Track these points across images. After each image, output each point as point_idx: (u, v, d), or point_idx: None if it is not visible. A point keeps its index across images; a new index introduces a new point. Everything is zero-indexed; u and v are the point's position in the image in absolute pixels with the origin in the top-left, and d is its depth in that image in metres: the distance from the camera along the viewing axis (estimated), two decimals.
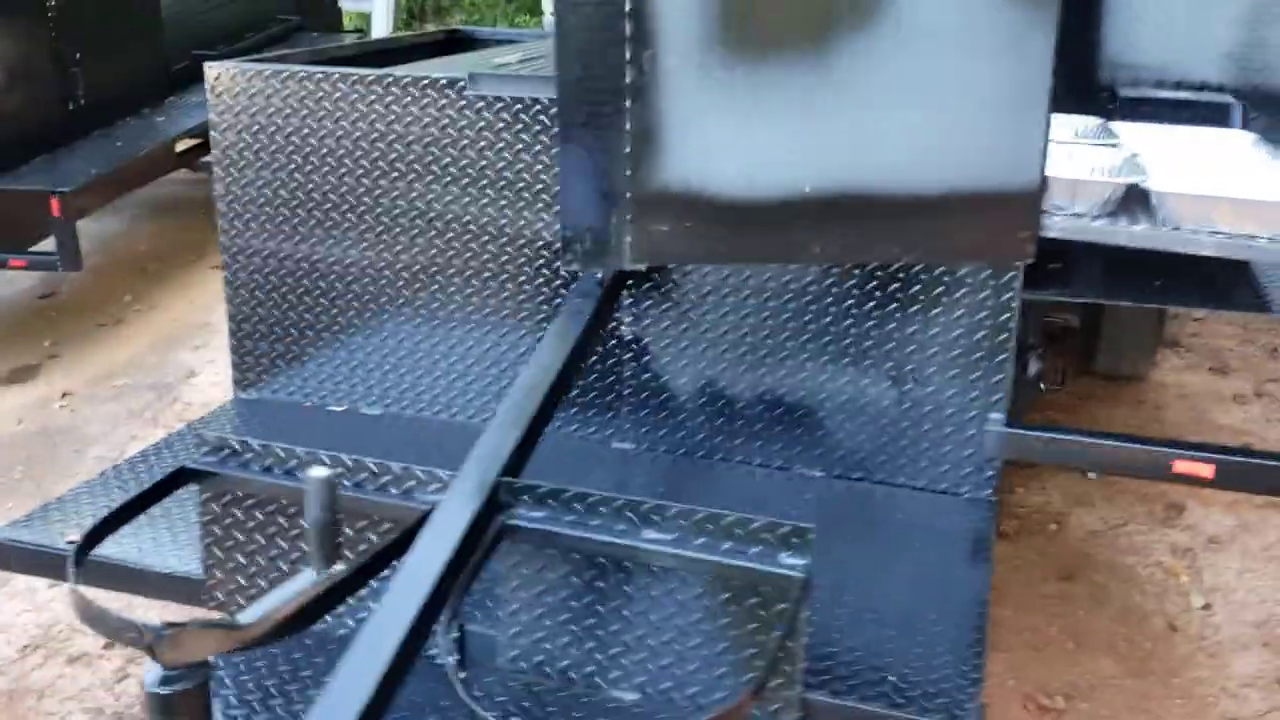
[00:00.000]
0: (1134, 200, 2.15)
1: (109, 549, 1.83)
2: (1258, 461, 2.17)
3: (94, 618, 1.44)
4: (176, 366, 4.09)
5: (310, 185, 2.55)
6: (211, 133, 2.59)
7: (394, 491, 1.74)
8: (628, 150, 1.85)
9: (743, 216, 1.93)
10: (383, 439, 2.44)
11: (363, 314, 2.58)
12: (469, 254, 2.47)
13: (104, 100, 4.49)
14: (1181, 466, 2.20)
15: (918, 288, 2.25)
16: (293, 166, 2.55)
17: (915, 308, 2.26)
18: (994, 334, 2.24)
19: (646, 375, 2.39)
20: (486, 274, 2.45)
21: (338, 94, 2.47)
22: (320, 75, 2.48)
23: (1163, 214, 2.11)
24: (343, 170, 2.51)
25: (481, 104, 2.38)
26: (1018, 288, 2.22)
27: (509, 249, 2.42)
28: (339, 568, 1.47)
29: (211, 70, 2.55)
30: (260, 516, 1.84)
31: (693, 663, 1.64)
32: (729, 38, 1.83)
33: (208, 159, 2.78)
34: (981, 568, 2.12)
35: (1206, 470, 2.17)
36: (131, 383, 3.96)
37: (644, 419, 2.41)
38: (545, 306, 2.40)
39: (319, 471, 1.45)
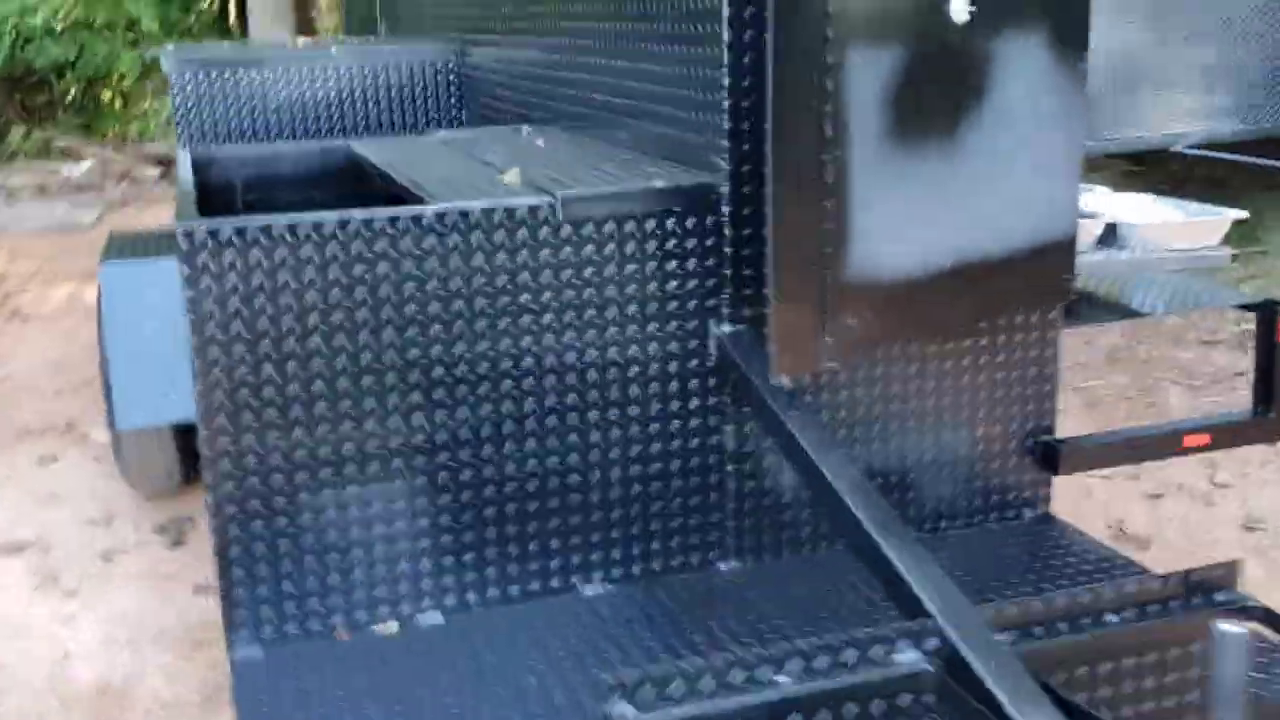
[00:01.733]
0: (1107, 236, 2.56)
1: None
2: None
3: None
4: None
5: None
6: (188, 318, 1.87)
7: None
8: (828, 248, 1.86)
9: (913, 297, 1.99)
10: None
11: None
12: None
13: None
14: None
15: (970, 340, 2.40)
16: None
17: (969, 357, 2.40)
18: (1042, 363, 2.43)
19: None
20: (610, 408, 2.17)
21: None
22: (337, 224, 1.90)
23: (1133, 243, 2.53)
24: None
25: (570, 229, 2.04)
26: (1060, 319, 2.43)
27: (623, 378, 2.15)
28: None
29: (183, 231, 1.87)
30: None
31: None
32: (897, 136, 1.91)
33: None
34: None
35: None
36: None
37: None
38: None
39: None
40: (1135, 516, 3.66)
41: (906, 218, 1.99)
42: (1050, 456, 2.45)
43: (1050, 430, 2.47)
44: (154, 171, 10.66)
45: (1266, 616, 1.72)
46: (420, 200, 2.07)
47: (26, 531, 3.89)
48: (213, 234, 1.86)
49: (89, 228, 8.69)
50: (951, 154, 2.04)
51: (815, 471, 1.85)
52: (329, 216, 1.91)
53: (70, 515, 3.98)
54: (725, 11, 2.02)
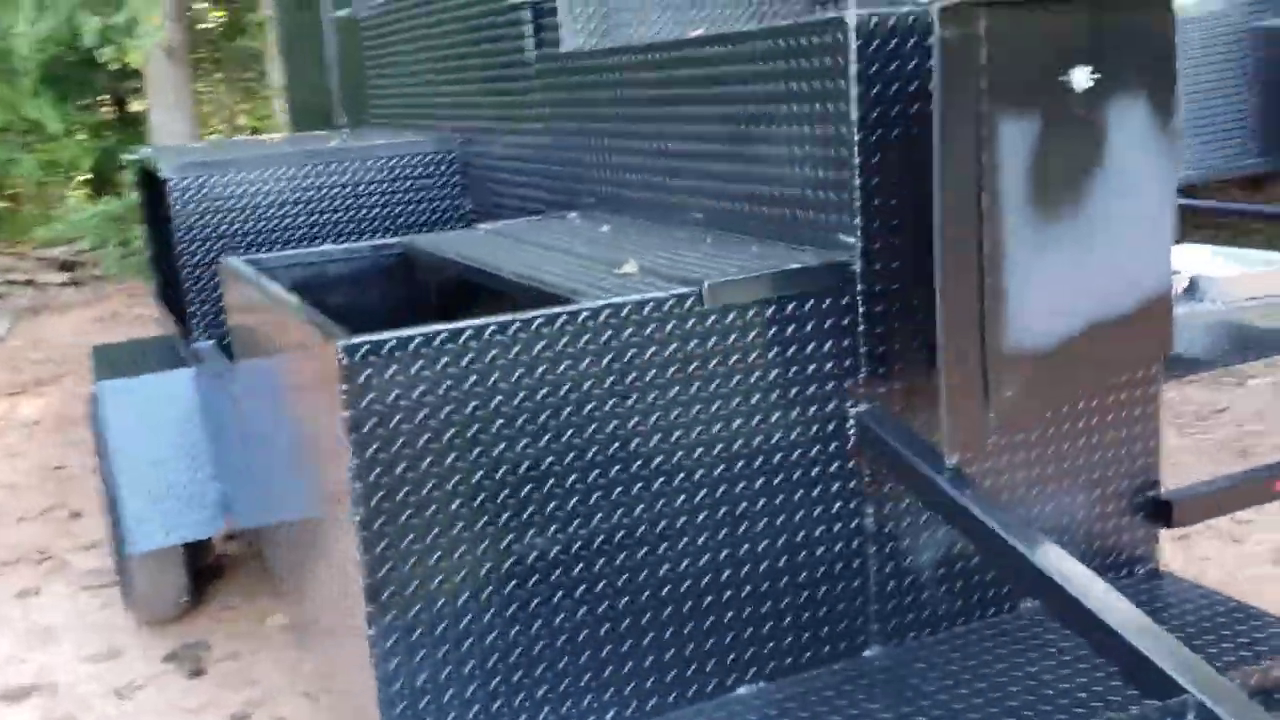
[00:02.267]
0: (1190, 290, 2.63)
1: None
2: None
3: None
4: None
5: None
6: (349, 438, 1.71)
7: None
8: (989, 323, 1.85)
9: (1056, 365, 2.00)
10: None
11: None
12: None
13: None
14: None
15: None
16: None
17: (1080, 419, 2.40)
18: (1146, 419, 2.45)
19: None
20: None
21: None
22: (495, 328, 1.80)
23: (1212, 294, 2.59)
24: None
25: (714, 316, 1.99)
26: (1161, 373, 2.46)
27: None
28: None
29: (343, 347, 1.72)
30: None
31: None
32: (1036, 206, 1.94)
33: None
34: None
35: None
36: None
37: None
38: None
39: None
40: (1174, 559, 3.70)
41: (1047, 286, 1.99)
42: (1162, 511, 2.46)
43: (1157, 485, 2.48)
44: (59, 278, 10.28)
45: None
46: (554, 298, 2.00)
47: (26, 675, 3.62)
48: (375, 348, 1.75)
49: (1, 340, 8.32)
50: (1077, 220, 2.05)
51: (1007, 547, 1.82)
52: (489, 321, 1.83)
53: (71, 652, 3.72)
54: (854, 91, 2.01)
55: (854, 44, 1.99)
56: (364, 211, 3.79)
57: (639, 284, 2.05)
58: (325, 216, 3.75)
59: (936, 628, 2.29)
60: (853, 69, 2.00)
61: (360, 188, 3.78)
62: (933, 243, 1.86)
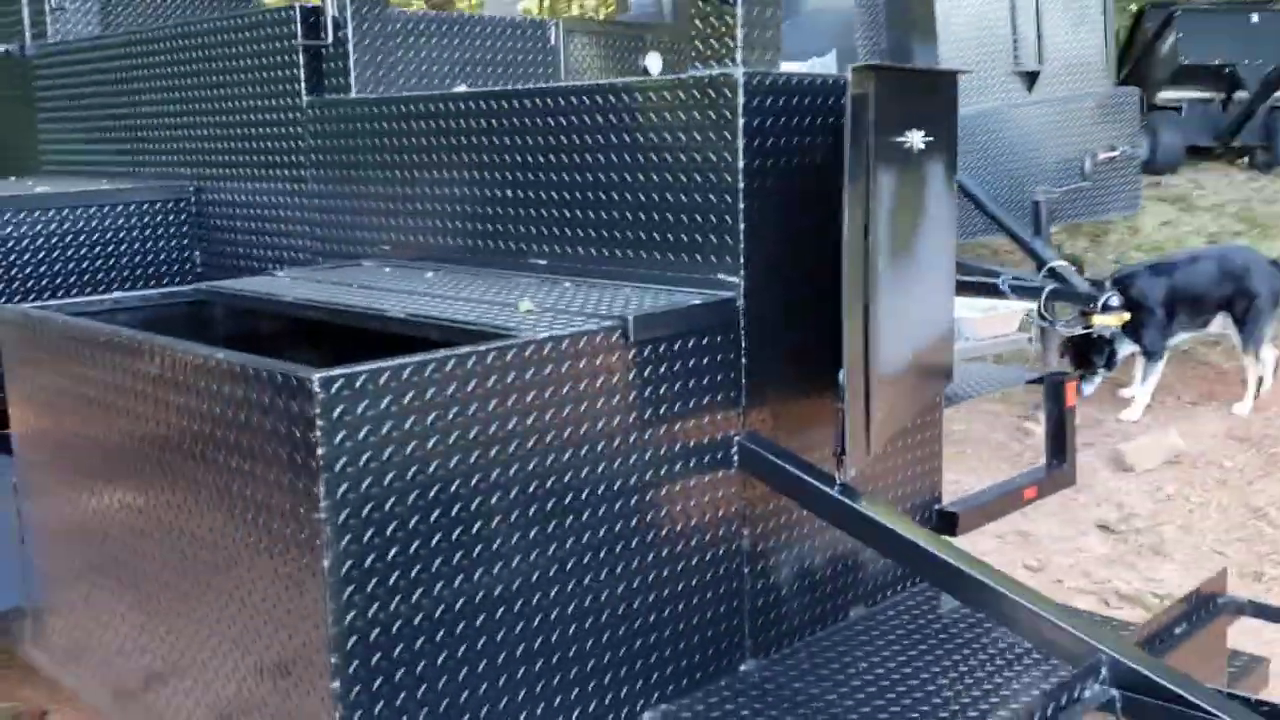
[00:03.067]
0: None
1: None
2: None
3: None
4: None
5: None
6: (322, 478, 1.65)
7: None
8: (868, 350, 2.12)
9: (899, 391, 2.32)
10: None
11: None
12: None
13: None
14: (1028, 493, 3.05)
15: None
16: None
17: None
18: (932, 441, 2.79)
19: None
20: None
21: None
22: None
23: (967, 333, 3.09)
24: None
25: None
26: (942, 401, 2.82)
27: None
28: None
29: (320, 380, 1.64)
30: None
31: None
32: (891, 254, 2.26)
33: None
34: None
35: None
36: None
37: None
38: None
39: None
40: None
41: (896, 318, 2.28)
42: (949, 520, 2.80)
43: (939, 499, 2.84)
44: None
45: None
46: (481, 335, 2.00)
47: None
48: (349, 381, 1.68)
49: None
50: (910, 261, 2.38)
51: (915, 547, 2.04)
52: (451, 354, 1.80)
53: None
54: (740, 143, 2.19)
55: (741, 100, 2.17)
56: (78, 264, 3.46)
57: (548, 321, 2.08)
58: (32, 270, 3.38)
59: (797, 637, 2.47)
60: (740, 122, 2.18)
61: (75, 239, 3.45)
62: (841, 275, 2.07)
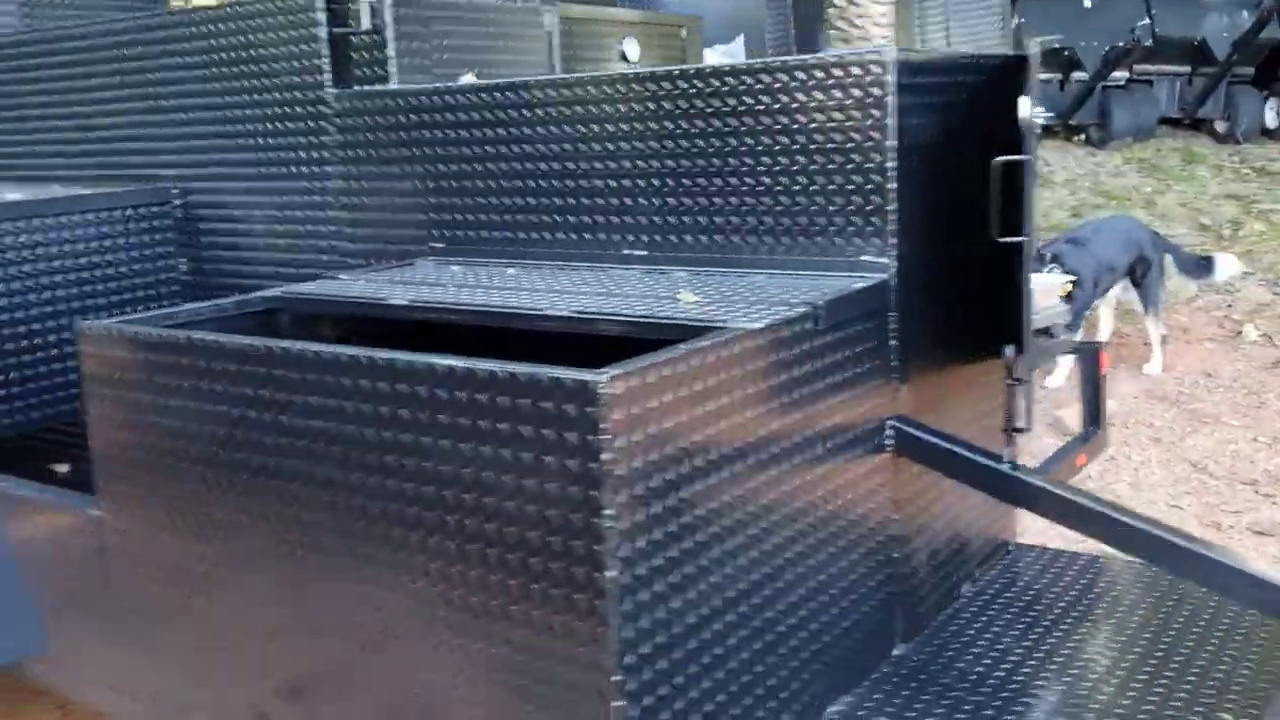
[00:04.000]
0: None
1: None
2: None
3: None
4: None
5: None
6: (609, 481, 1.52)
7: None
8: None
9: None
10: None
11: None
12: None
13: None
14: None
15: None
16: None
17: None
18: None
19: None
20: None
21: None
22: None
23: None
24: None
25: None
26: None
27: None
28: None
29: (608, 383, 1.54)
30: None
31: None
32: None
33: None
34: None
35: None
36: None
37: None
38: None
39: None
40: None
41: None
42: None
43: None
44: None
45: None
46: (679, 328, 1.91)
47: None
48: (628, 378, 1.58)
49: None
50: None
51: (1112, 520, 2.08)
52: (697, 346, 1.72)
53: None
54: (891, 122, 2.17)
55: (893, 78, 2.15)
56: (64, 276, 3.17)
57: (724, 313, 2.01)
58: (25, 283, 3.07)
59: (932, 618, 2.48)
60: (892, 101, 2.16)
61: (64, 248, 3.15)
62: (982, 252, 2.08)
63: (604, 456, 1.56)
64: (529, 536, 1.66)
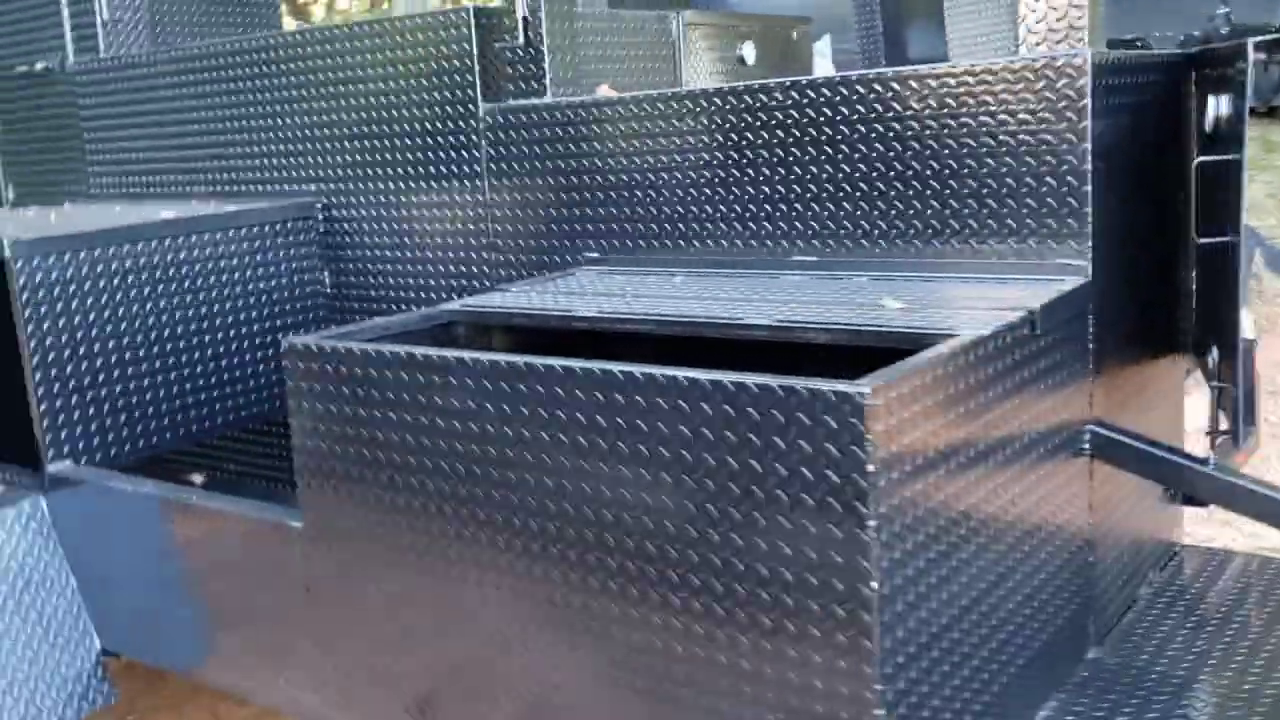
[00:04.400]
0: None
1: None
2: None
3: None
4: None
5: None
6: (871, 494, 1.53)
7: None
8: None
9: None
10: None
11: None
12: None
13: None
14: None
15: None
16: None
17: None
18: (1176, 414, 2.82)
19: None
20: None
21: None
22: None
23: None
24: None
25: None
26: None
27: None
28: None
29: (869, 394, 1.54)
30: None
31: None
32: None
33: None
34: None
35: None
36: None
37: None
38: None
39: None
40: None
41: None
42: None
43: None
44: None
45: None
46: (909, 337, 1.91)
47: None
48: (890, 388, 1.58)
49: None
50: None
51: None
52: (961, 345, 1.73)
53: None
54: (1089, 124, 2.16)
55: (1089, 81, 2.14)
56: (219, 291, 3.22)
57: (939, 320, 2.01)
58: (184, 298, 3.12)
59: (1117, 620, 2.46)
60: (1088, 103, 2.15)
61: (220, 262, 3.20)
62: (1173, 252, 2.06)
63: (868, 469, 1.56)
64: (782, 550, 1.66)
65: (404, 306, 3.27)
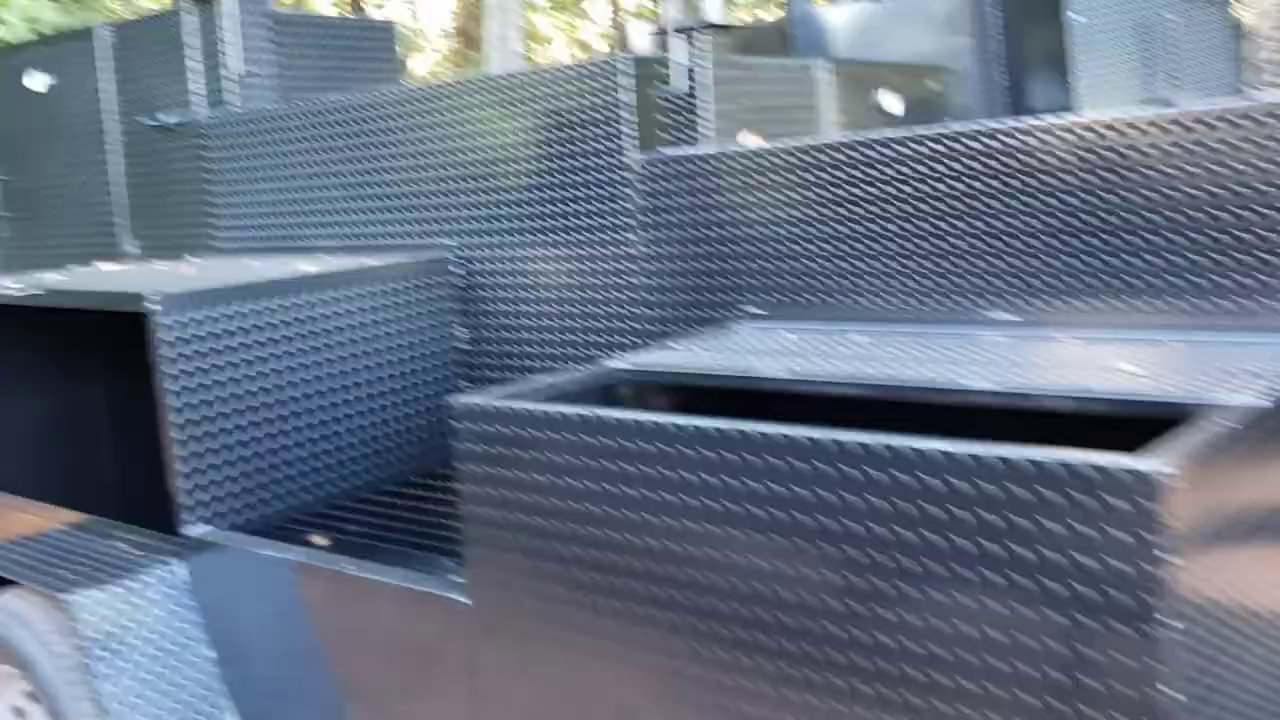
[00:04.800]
0: None
1: None
2: None
3: None
4: None
5: None
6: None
7: None
8: None
9: None
10: None
11: None
12: None
13: None
14: None
15: None
16: None
17: None
18: None
19: None
20: None
21: None
22: None
23: None
24: None
25: None
26: None
27: None
28: None
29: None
30: None
31: None
32: None
33: None
34: None
35: None
36: None
37: None
38: None
39: None
40: None
41: None
42: None
43: None
44: None
45: None
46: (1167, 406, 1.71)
47: None
48: (1189, 467, 1.39)
49: None
50: None
51: None
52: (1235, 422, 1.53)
53: None
54: None
55: None
56: (353, 348, 3.10)
57: (1191, 386, 1.81)
58: (319, 355, 3.02)
59: None
60: None
61: (355, 318, 3.09)
62: None
63: (1159, 556, 1.37)
64: (1051, 647, 1.47)
65: (545, 363, 3.13)
